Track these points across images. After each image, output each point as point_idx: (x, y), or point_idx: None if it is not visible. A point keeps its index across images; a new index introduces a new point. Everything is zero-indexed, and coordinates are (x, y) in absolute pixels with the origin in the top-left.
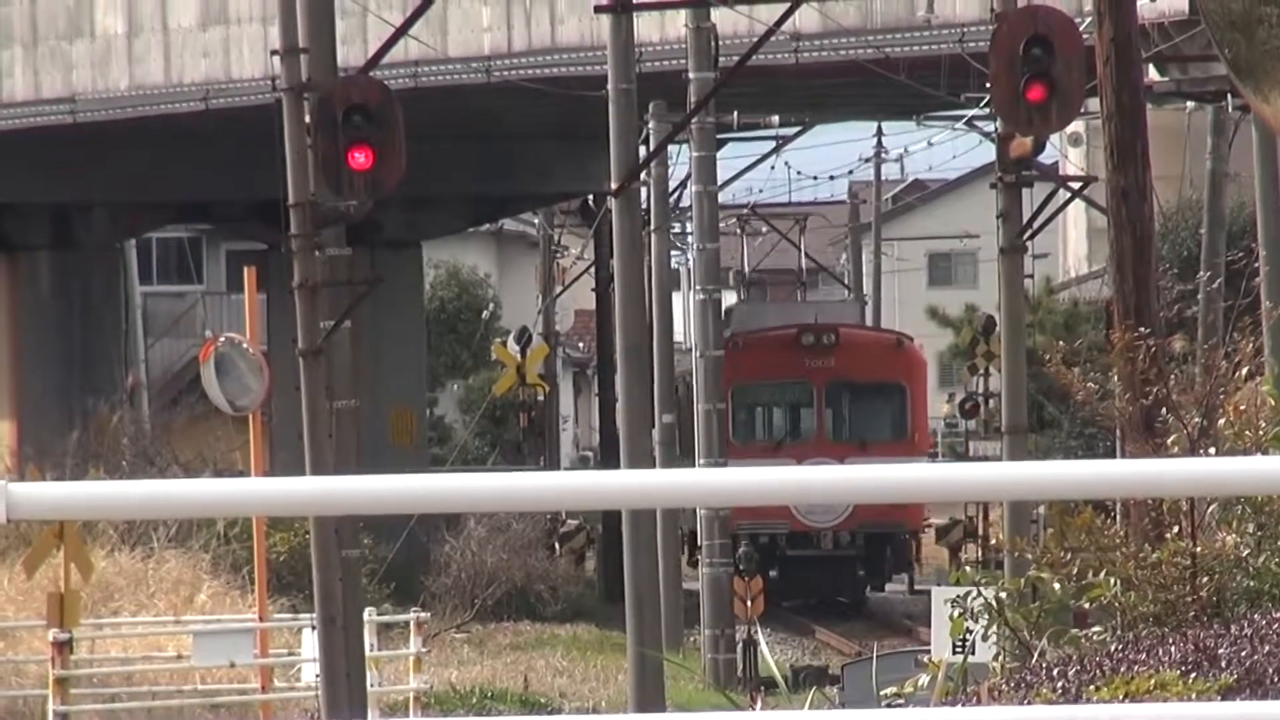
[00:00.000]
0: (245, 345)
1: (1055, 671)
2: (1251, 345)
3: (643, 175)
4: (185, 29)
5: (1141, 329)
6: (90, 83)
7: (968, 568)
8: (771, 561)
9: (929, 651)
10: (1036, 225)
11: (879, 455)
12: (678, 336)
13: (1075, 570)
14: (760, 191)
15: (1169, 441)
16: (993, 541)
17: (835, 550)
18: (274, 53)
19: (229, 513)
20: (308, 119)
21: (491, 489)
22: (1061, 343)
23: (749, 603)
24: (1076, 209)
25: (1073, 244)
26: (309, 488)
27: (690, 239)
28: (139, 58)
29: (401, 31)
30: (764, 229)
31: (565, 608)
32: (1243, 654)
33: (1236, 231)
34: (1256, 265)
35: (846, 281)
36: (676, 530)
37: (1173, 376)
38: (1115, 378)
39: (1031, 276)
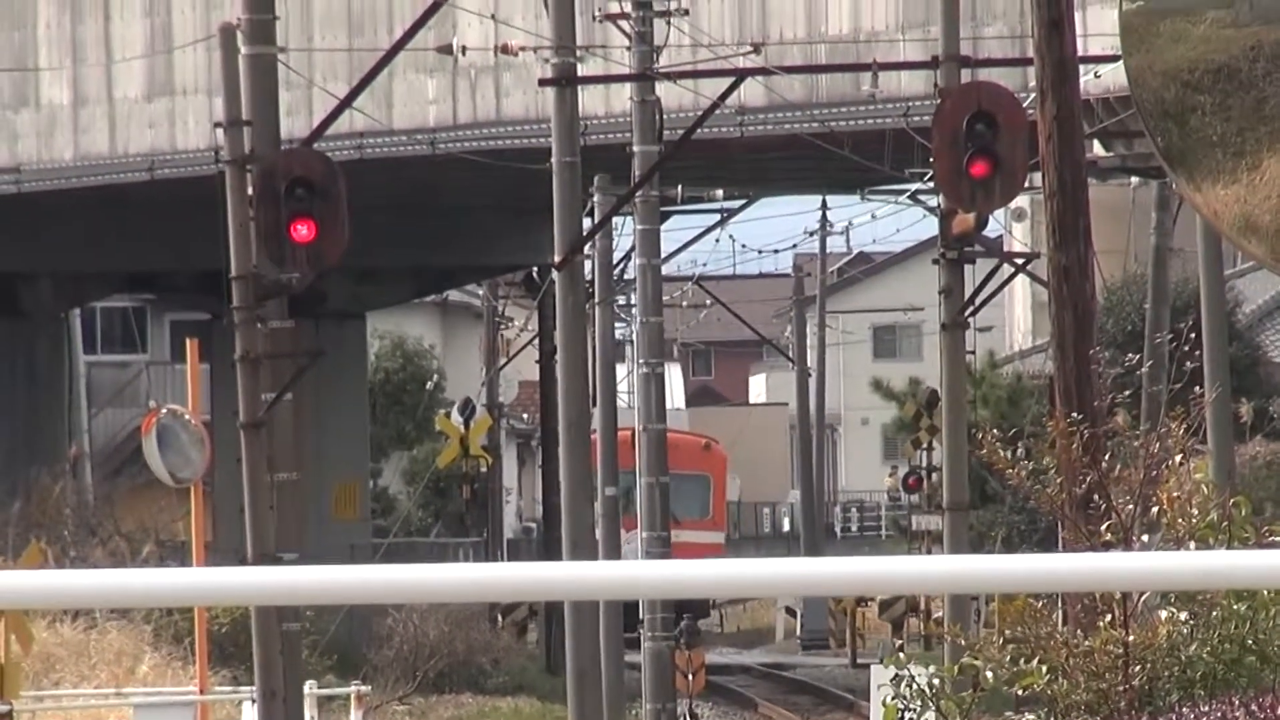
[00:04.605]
0: (187, 417)
1: None
2: (1183, 430)
3: (587, 248)
4: (131, 100)
5: (1078, 413)
6: (35, 153)
7: (902, 654)
8: None
9: None
10: (979, 301)
11: (688, 528)
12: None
13: (1008, 657)
14: (705, 264)
15: (1103, 529)
16: (935, 615)
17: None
18: (217, 125)
19: (169, 603)
20: (251, 191)
21: (430, 580)
22: (995, 430)
23: (690, 677)
24: (1021, 282)
25: (1018, 317)
26: (246, 579)
27: (634, 311)
28: (84, 128)
29: (346, 103)
30: (708, 301)
31: (507, 680)
32: None
33: (1181, 306)
34: (1187, 349)
35: (790, 354)
36: (619, 605)
37: (1113, 452)
38: (1049, 461)
39: (973, 352)
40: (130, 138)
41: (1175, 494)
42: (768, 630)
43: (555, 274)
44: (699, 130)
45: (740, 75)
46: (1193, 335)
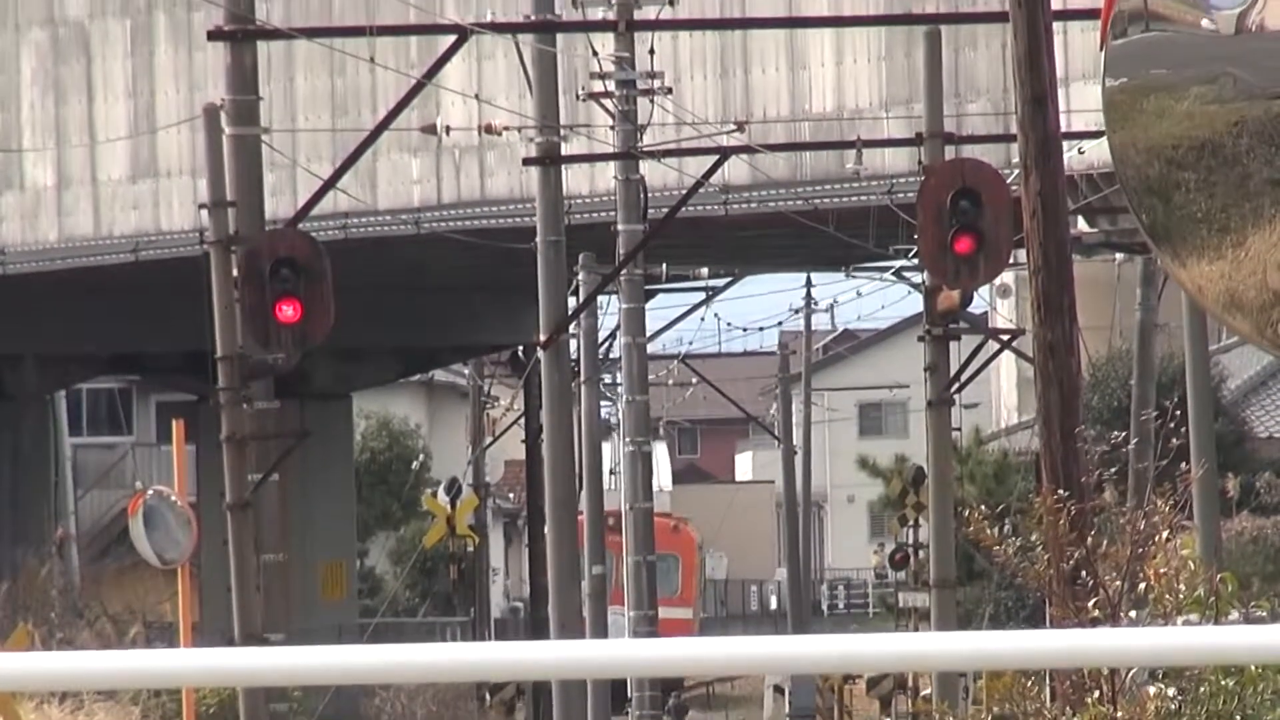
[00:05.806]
0: (173, 498)
1: None
2: (1170, 507)
3: (572, 327)
4: (115, 181)
5: (1064, 490)
6: (20, 235)
7: None
8: None
9: None
10: (964, 378)
11: (660, 605)
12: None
13: None
14: (690, 342)
15: (1090, 605)
16: (923, 693)
17: None
18: (202, 206)
19: (156, 685)
20: (236, 272)
21: (418, 661)
22: (982, 507)
23: None
24: (1007, 358)
25: (1003, 394)
26: (233, 660)
27: (620, 390)
28: (68, 210)
29: (330, 184)
30: (694, 379)
31: None
32: None
33: (1166, 382)
34: (1173, 425)
35: (776, 432)
36: (606, 682)
37: (1100, 528)
38: (1036, 538)
39: (959, 429)
40: (114, 219)
41: (1162, 570)
42: (752, 697)
43: (541, 353)
44: (683, 208)
45: (724, 153)
46: (1178, 411)
